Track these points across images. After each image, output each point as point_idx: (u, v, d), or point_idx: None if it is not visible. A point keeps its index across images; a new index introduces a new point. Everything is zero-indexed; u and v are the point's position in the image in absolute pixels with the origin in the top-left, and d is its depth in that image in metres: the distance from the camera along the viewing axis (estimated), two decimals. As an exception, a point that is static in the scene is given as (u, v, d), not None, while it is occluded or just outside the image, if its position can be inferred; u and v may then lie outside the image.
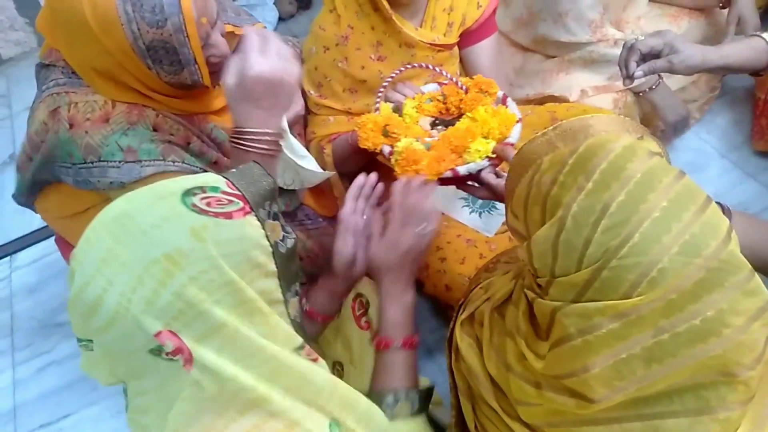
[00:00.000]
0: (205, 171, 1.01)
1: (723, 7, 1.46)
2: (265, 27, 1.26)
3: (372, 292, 1.17)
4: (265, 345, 0.57)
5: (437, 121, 1.13)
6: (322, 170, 1.11)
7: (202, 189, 0.57)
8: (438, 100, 1.12)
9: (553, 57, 1.47)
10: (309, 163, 1.08)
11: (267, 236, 0.59)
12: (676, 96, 1.47)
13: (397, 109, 1.12)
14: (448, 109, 1.12)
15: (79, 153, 0.93)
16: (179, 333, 0.53)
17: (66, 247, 1.29)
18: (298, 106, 1.04)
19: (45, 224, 1.38)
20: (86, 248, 0.55)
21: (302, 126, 1.33)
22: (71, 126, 0.92)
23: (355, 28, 1.15)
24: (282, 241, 0.61)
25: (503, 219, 1.33)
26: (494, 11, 1.29)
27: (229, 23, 1.14)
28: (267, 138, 0.84)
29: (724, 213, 0.86)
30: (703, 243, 0.52)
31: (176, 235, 0.53)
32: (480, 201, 1.38)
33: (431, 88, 1.15)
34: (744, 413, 0.56)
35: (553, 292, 0.57)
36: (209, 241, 0.54)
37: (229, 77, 0.84)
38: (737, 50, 1.06)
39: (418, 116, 1.11)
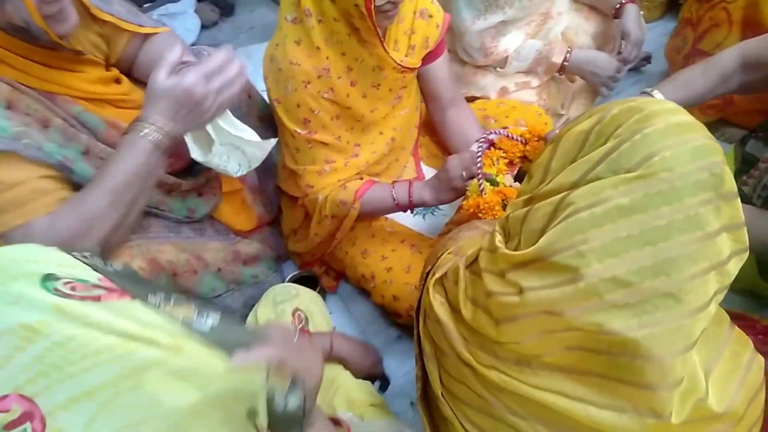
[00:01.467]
0: (68, 163, 0.97)
1: (615, 18, 1.58)
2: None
3: (310, 303, 1.18)
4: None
5: (512, 176, 1.16)
6: (261, 140, 1.09)
7: (69, 277, 0.50)
8: (502, 157, 1.15)
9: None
10: (251, 135, 1.07)
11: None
12: (597, 54, 1.56)
13: (489, 180, 1.12)
14: (512, 162, 1.16)
15: None
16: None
17: None
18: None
19: None
20: None
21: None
22: None
23: (330, 57, 1.12)
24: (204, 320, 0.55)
25: (446, 219, 1.37)
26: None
27: (111, 13, 1.10)
28: (161, 135, 0.90)
29: None
30: (710, 152, 0.60)
31: (36, 311, 0.46)
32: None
33: (483, 147, 1.16)
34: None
35: (558, 182, 0.65)
36: (73, 314, 0.46)
37: (163, 72, 0.89)
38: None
39: (504, 179, 1.14)
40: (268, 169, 1.43)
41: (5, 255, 0.50)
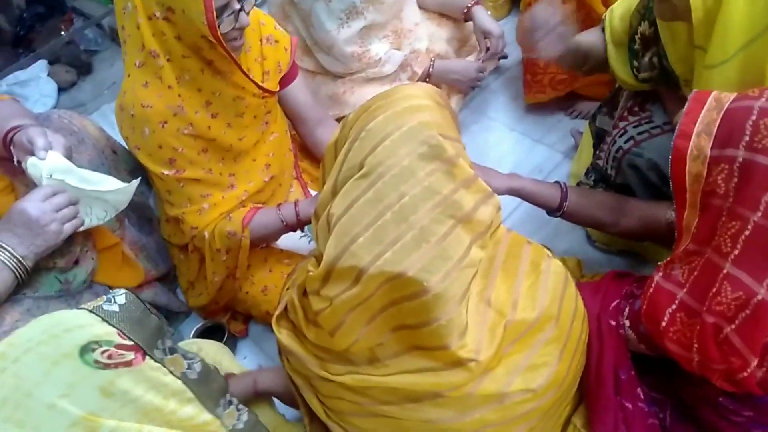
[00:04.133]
0: None
1: (466, 21, 1.68)
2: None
3: (216, 355, 1.14)
4: None
5: None
6: (124, 183, 1.08)
7: (98, 343, 0.57)
8: None
9: (340, 77, 1.55)
10: (110, 183, 1.07)
11: (171, 371, 0.62)
12: (458, 62, 1.65)
13: None
14: None
15: None
16: None
17: None
18: None
19: None
20: None
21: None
22: None
23: (183, 95, 1.09)
24: (189, 368, 0.64)
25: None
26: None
27: None
28: (5, 256, 0.93)
29: (561, 190, 1.10)
30: (424, 128, 0.69)
31: (86, 399, 0.54)
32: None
33: None
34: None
35: (324, 192, 0.75)
36: (117, 395, 0.56)
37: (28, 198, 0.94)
38: None
39: None
40: (143, 224, 1.37)
41: (43, 331, 0.56)
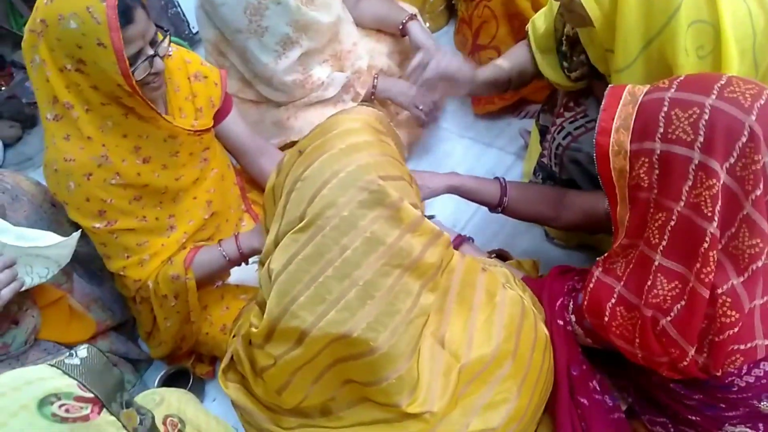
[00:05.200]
0: None
1: (403, 36, 1.67)
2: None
3: (180, 404, 1.10)
4: None
5: None
6: (63, 238, 1.05)
7: (57, 396, 0.57)
8: None
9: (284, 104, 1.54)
10: (49, 238, 1.04)
11: (124, 425, 0.61)
12: (398, 81, 1.64)
13: None
14: None
15: None
16: None
17: None
18: None
19: None
20: None
21: None
22: None
23: (107, 144, 1.07)
24: (141, 423, 0.65)
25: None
26: None
27: None
28: None
29: (501, 185, 1.09)
30: (363, 173, 0.65)
31: None
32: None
33: None
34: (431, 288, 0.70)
35: (267, 242, 0.70)
36: None
37: None
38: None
39: None
40: (93, 275, 1.34)
41: (4, 384, 0.57)
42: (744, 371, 0.72)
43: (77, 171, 1.06)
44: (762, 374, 0.71)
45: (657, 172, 0.72)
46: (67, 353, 0.62)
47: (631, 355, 0.76)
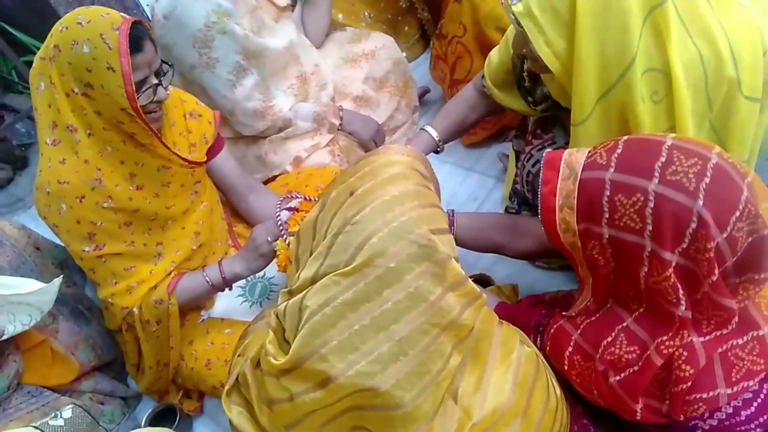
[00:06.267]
0: None
1: None
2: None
3: None
4: None
5: None
6: (44, 284, 1.07)
7: None
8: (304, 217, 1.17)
9: (261, 139, 1.57)
10: (30, 285, 1.05)
11: None
12: (359, 115, 1.67)
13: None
14: None
15: None
16: None
17: None
18: None
19: None
20: None
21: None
22: None
23: (103, 168, 1.10)
24: None
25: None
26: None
27: None
28: None
29: (448, 216, 1.07)
30: (414, 225, 0.64)
31: None
32: (258, 290, 1.41)
33: (288, 215, 1.20)
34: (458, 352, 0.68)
35: (302, 277, 0.67)
36: None
37: None
38: None
39: None
40: (79, 315, 1.34)
41: None
42: (707, 416, 0.71)
43: (70, 193, 1.09)
44: (724, 417, 0.71)
45: (610, 251, 0.70)
46: (53, 414, 0.60)
47: (593, 401, 0.76)
